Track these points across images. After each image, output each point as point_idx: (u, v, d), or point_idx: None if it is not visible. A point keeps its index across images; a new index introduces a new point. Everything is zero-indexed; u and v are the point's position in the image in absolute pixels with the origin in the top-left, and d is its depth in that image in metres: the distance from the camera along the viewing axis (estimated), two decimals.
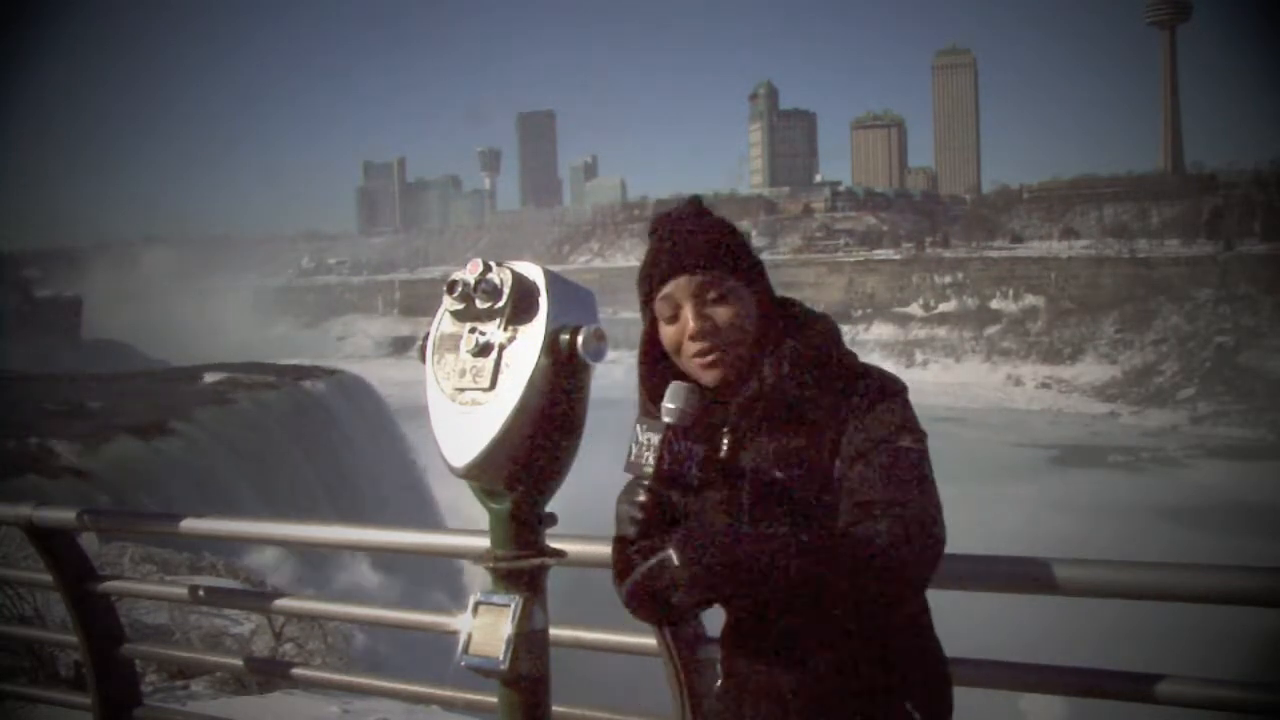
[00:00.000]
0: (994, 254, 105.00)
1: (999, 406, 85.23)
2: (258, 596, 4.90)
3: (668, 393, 1.51)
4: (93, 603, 3.23)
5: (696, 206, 1.65)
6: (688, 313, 1.57)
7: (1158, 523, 48.73)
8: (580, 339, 1.60)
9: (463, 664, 1.82)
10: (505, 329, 1.71)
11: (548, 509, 1.69)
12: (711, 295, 1.56)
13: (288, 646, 6.61)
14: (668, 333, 1.60)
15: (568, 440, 1.64)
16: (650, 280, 1.61)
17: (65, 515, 3.13)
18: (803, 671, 1.54)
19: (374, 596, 15.48)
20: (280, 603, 3.63)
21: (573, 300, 1.71)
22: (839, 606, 1.41)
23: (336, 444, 25.94)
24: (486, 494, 1.84)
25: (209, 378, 27.81)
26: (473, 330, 1.74)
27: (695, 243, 1.58)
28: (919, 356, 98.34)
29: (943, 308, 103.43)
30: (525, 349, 1.69)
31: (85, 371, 35.98)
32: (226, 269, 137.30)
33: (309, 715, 4.66)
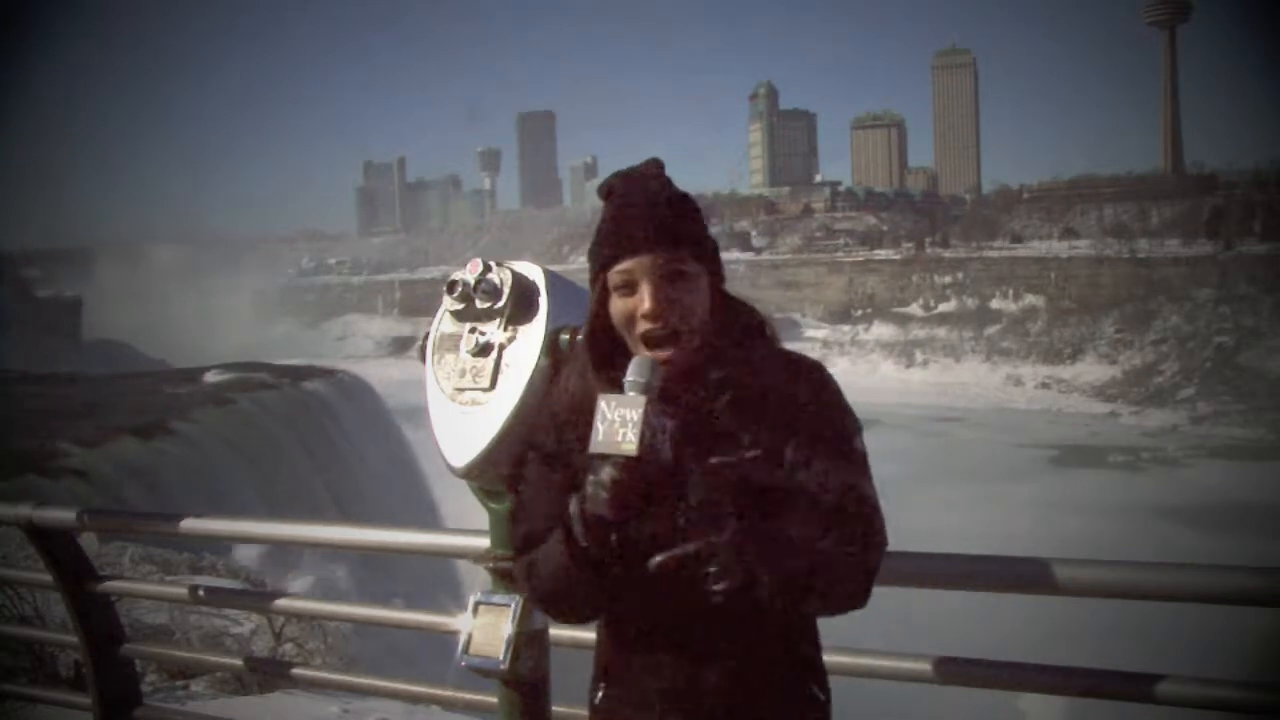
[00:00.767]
0: (994, 254, 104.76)
1: (999, 406, 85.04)
2: (258, 596, 4.90)
3: (632, 366, 1.46)
4: (92, 603, 3.23)
5: (657, 170, 1.57)
6: (645, 290, 1.49)
7: (1158, 523, 48.67)
8: (580, 339, 1.59)
9: (463, 664, 1.82)
10: (505, 329, 1.70)
11: None
12: (671, 274, 1.49)
13: (288, 646, 6.61)
14: (619, 305, 1.51)
15: None
16: (608, 255, 1.52)
17: (65, 515, 3.13)
18: (710, 674, 1.50)
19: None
20: (280, 603, 3.63)
21: (573, 300, 1.71)
22: (811, 606, 1.47)
23: (337, 444, 25.93)
24: (486, 494, 1.84)
25: (209, 378, 27.81)
26: (473, 330, 1.74)
27: (661, 217, 1.51)
28: (919, 356, 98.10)
29: (943, 308, 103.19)
30: (525, 349, 1.69)
31: (85, 371, 35.97)
32: (226, 269, 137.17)
33: (309, 715, 4.66)
